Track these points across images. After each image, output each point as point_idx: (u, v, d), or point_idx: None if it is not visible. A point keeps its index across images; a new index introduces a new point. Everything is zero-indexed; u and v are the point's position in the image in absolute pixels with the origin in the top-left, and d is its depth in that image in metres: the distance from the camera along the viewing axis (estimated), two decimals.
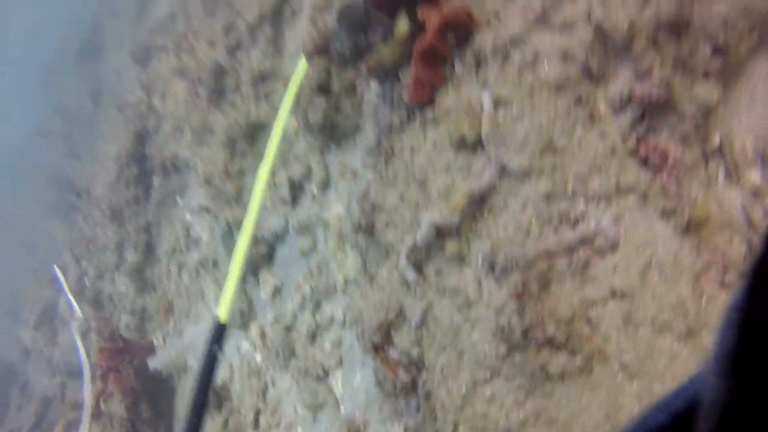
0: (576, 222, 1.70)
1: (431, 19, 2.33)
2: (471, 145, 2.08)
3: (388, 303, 2.24)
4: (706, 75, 1.84)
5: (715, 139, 1.86)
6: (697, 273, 1.51)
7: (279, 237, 3.92)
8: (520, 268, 1.69)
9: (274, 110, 4.47)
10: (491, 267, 1.80)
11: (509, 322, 1.61)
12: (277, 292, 3.89)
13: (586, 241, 1.65)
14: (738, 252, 1.58)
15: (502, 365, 1.68)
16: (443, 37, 2.34)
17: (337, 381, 3.17)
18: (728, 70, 1.89)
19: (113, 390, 4.74)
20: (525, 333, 1.59)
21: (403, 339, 2.14)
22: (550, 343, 1.58)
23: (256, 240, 3.98)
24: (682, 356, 1.41)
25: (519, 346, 1.61)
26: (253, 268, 4.08)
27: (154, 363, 5.09)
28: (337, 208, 3.52)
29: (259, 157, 4.30)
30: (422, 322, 2.03)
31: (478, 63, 2.26)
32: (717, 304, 1.46)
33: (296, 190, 3.89)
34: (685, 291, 1.48)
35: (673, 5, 1.76)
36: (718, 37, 1.80)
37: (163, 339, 5.62)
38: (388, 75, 2.94)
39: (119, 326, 6.17)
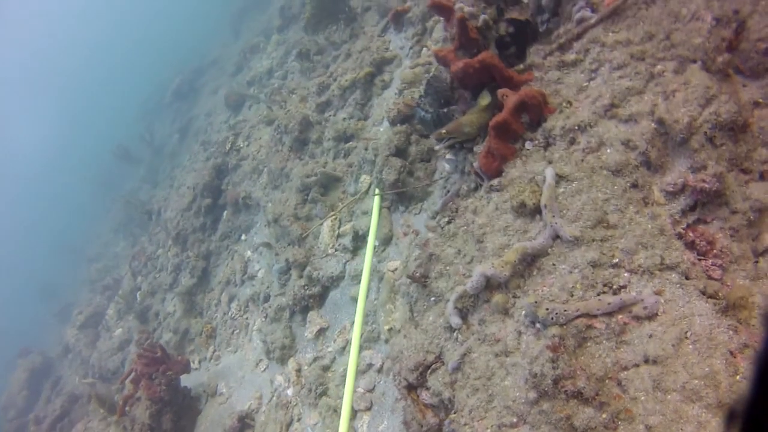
0: (618, 290, 1.83)
1: (509, 97, 2.61)
2: (530, 211, 2.28)
3: (429, 345, 2.37)
4: (762, 176, 1.99)
5: (766, 238, 1.97)
6: (732, 350, 1.59)
7: (333, 281, 4.13)
8: (560, 323, 1.82)
9: (350, 166, 4.86)
10: (533, 321, 1.93)
11: (542, 370, 1.72)
12: (321, 333, 4.06)
13: (625, 307, 1.77)
14: None
15: (529, 412, 1.77)
16: (518, 116, 2.61)
17: (363, 424, 3.24)
18: None
19: (142, 395, 4.92)
20: (555, 382, 1.69)
21: (437, 381, 2.25)
22: (578, 395, 1.67)
23: (310, 280, 4.21)
24: (710, 426, 1.48)
25: (548, 394, 1.71)
26: (302, 308, 4.28)
27: (186, 381, 5.26)
28: (394, 263, 3.72)
29: (330, 207, 4.65)
30: (459, 366, 2.15)
31: (547, 143, 2.49)
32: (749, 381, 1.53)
33: (359, 240, 4.13)
34: (718, 365, 1.56)
35: (733, 107, 1.95)
36: None
37: (199, 362, 5.81)
38: (463, 145, 3.23)
39: (159, 341, 6.43)
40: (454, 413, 2.05)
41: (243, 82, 9.82)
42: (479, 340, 2.09)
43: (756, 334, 1.62)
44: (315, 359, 3.96)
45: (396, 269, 3.68)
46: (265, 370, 4.59)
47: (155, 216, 8.85)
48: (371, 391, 3.35)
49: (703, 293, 1.75)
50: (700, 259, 1.85)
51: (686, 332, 1.65)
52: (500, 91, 2.72)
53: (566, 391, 1.67)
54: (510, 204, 2.36)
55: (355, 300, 3.92)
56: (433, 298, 2.53)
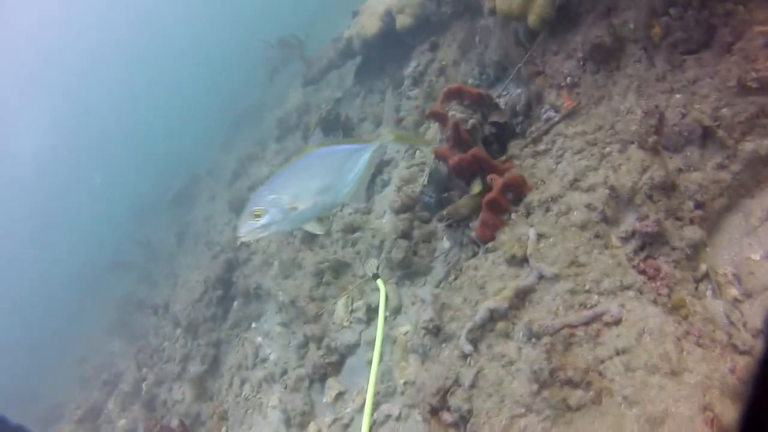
0: (591, 307, 2.46)
1: (497, 181, 3.38)
2: (519, 261, 2.95)
3: (447, 372, 2.90)
4: (691, 221, 2.71)
5: (703, 268, 2.66)
6: (678, 336, 2.20)
7: (350, 349, 4.63)
8: (549, 333, 2.42)
9: (357, 254, 5.52)
10: (529, 338, 2.53)
11: (540, 366, 2.28)
12: (339, 396, 4.48)
13: (597, 317, 2.39)
14: (713, 330, 2.29)
15: (534, 401, 2.30)
16: (504, 194, 3.36)
17: None
18: (710, 220, 2.77)
19: None
20: (551, 373, 2.25)
21: (456, 399, 2.75)
22: (569, 382, 2.22)
23: (328, 349, 4.70)
24: (668, 388, 2.04)
25: (546, 384, 2.26)
26: (321, 376, 4.71)
27: None
28: (405, 327, 4.27)
29: (342, 288, 5.23)
30: (474, 383, 2.68)
31: (528, 212, 3.22)
32: (694, 355, 2.13)
33: (371, 313, 4.70)
34: (670, 346, 2.16)
35: (663, 173, 2.72)
36: (697, 196, 2.72)
37: None
38: (460, 224, 3.95)
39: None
40: (473, 418, 2.56)
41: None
42: (488, 359, 2.65)
43: (694, 325, 2.25)
44: (334, 420, 4.34)
45: (407, 332, 4.22)
46: None
47: (161, 311, 9.22)
48: None
49: (654, 302, 2.39)
50: (650, 281, 2.51)
51: (644, 329, 2.27)
52: (489, 176, 3.50)
53: (560, 379, 2.24)
54: (503, 257, 3.04)
55: (370, 363, 4.40)
56: (448, 337, 3.10)
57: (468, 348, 2.81)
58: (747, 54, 2.76)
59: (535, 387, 2.30)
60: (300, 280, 5.71)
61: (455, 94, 4.07)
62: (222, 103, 20.24)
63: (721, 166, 2.81)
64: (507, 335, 2.66)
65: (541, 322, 2.47)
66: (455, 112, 3.98)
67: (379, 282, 4.47)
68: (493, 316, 2.76)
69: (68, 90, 41.15)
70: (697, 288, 2.65)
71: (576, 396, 2.20)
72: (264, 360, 6.17)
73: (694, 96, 2.90)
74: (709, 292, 2.64)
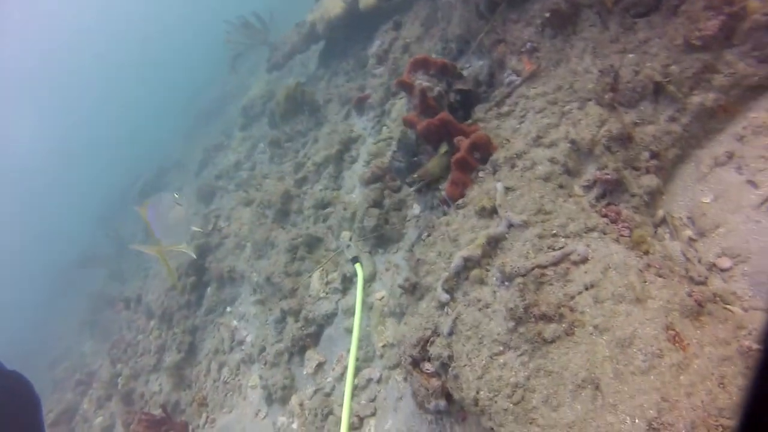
0: (559, 248, 2.59)
1: (463, 142, 3.49)
2: (488, 212, 3.07)
3: (426, 323, 3.00)
4: (648, 170, 2.88)
5: (660, 213, 2.83)
6: (640, 269, 2.35)
7: (328, 318, 4.70)
8: (521, 274, 2.54)
9: (329, 229, 5.57)
10: (502, 281, 2.65)
11: (515, 304, 2.41)
12: (319, 367, 4.55)
13: (565, 257, 2.52)
14: (669, 264, 2.45)
15: (510, 338, 2.42)
16: (471, 154, 3.47)
17: (371, 428, 3.71)
18: (665, 169, 2.94)
19: None
20: (526, 309, 2.37)
21: (436, 348, 2.86)
22: (543, 317, 2.35)
23: (306, 321, 4.76)
24: (634, 314, 2.19)
25: (522, 320, 2.38)
26: (300, 349, 4.77)
27: None
28: (380, 293, 4.36)
29: (316, 262, 5.29)
30: (452, 330, 2.79)
31: (495, 169, 3.34)
32: (656, 284, 2.28)
33: (347, 282, 4.78)
34: (633, 278, 2.31)
35: (619, 126, 2.87)
36: (652, 147, 2.88)
37: (193, 431, 5.98)
38: (429, 187, 4.05)
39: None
40: (454, 362, 2.67)
41: (211, 176, 10.59)
42: (465, 305, 2.77)
43: (654, 260, 2.41)
44: (316, 391, 4.41)
45: (383, 297, 4.32)
46: (265, 417, 4.94)
47: (133, 304, 9.09)
48: (373, 400, 3.85)
49: (617, 241, 2.54)
50: (612, 224, 2.66)
51: (609, 264, 2.41)
52: (456, 138, 3.60)
53: (534, 315, 2.37)
54: (473, 210, 3.15)
55: (348, 332, 4.48)
56: (425, 290, 3.20)
57: (445, 297, 2.92)
58: (691, 15, 2.93)
59: (511, 324, 2.43)
60: (274, 258, 5.74)
61: (421, 65, 4.16)
62: (186, 92, 19.93)
63: (672, 119, 2.99)
64: (482, 281, 2.78)
65: (512, 263, 2.59)
66: (421, 81, 4.08)
67: (357, 267, 4.52)
68: (467, 265, 2.87)
69: (38, 89, 39.84)
70: (656, 232, 2.82)
71: (550, 329, 2.33)
72: (241, 342, 6.19)
73: (646, 55, 3.07)
74: (667, 235, 2.82)
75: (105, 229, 14.64)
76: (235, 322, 6.54)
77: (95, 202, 19.66)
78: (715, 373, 2.00)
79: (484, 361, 2.49)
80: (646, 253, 2.51)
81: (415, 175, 3.79)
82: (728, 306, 2.37)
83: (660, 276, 2.36)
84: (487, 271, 2.79)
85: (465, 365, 2.58)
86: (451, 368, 2.69)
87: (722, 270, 2.56)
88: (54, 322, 15.10)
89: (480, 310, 2.66)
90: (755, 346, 1.97)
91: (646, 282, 2.33)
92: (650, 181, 2.89)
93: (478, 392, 2.44)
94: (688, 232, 2.77)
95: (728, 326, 2.22)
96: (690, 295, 2.26)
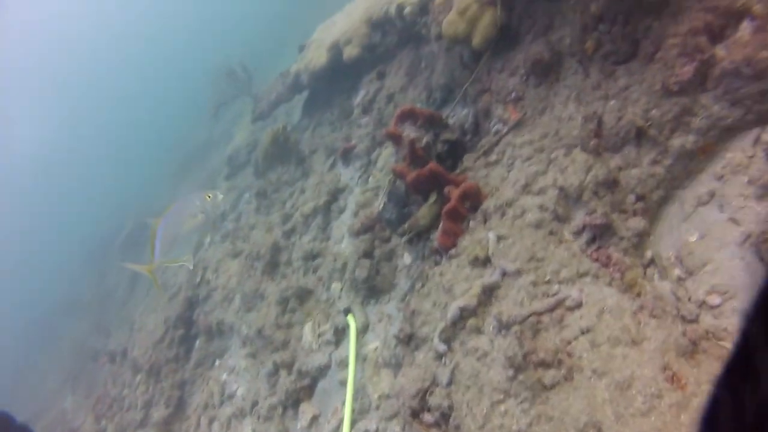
0: (553, 295, 2.65)
1: (454, 192, 3.58)
2: (482, 262, 3.13)
3: (424, 374, 3.01)
4: (635, 213, 2.98)
5: (648, 254, 2.92)
6: (634, 311, 2.42)
7: (321, 371, 4.65)
8: (518, 322, 2.59)
9: (320, 279, 5.58)
10: (499, 329, 2.69)
11: (513, 352, 2.44)
12: (314, 420, 4.47)
13: (560, 303, 2.58)
14: (661, 304, 2.52)
15: (511, 386, 2.44)
16: (462, 203, 3.56)
17: None
18: (650, 211, 3.05)
19: None
20: (524, 357, 2.40)
21: (436, 398, 2.86)
22: (542, 363, 2.39)
23: (299, 374, 4.70)
24: (630, 356, 2.23)
25: (521, 367, 2.41)
26: (294, 402, 4.69)
27: None
28: (374, 344, 4.35)
29: (307, 314, 5.26)
30: (451, 380, 2.80)
31: (485, 218, 3.43)
32: (650, 325, 2.34)
33: (339, 334, 4.76)
34: (628, 320, 2.36)
35: (605, 171, 2.99)
36: (637, 190, 3.00)
37: None
38: (420, 237, 4.12)
39: None
40: (454, 412, 2.67)
41: None
42: (463, 355, 2.79)
43: (647, 301, 2.48)
44: None
45: (376, 348, 4.30)
46: None
47: (119, 358, 8.86)
48: None
49: (610, 285, 2.61)
50: (603, 268, 2.73)
51: (603, 308, 2.47)
52: (446, 188, 3.70)
53: (533, 362, 2.41)
54: (467, 260, 3.21)
55: (343, 384, 4.43)
56: (420, 341, 3.22)
57: (442, 347, 2.94)
58: (666, 62, 3.11)
59: (510, 372, 2.45)
60: (265, 310, 5.70)
61: (408, 116, 4.29)
62: (171, 140, 20.07)
63: (655, 162, 3.12)
64: (478, 330, 2.81)
65: (509, 312, 2.64)
66: (409, 132, 4.21)
67: (350, 318, 4.52)
68: (463, 314, 2.91)
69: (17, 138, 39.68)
70: (645, 273, 2.90)
71: (549, 375, 2.36)
72: (231, 396, 6.06)
73: (627, 101, 3.23)
74: (656, 275, 2.90)
75: (86, 282, 14.37)
76: (224, 376, 6.42)
77: (78, 253, 19.34)
78: None
79: (485, 410, 2.50)
80: (639, 295, 2.58)
81: (406, 226, 3.85)
82: (721, 342, 2.43)
83: (654, 317, 2.43)
84: (483, 320, 2.83)
85: (466, 415, 2.58)
86: (452, 418, 2.69)
87: (712, 307, 2.62)
88: (32, 373, 14.58)
89: (478, 359, 2.68)
90: None
91: (640, 324, 2.39)
92: (637, 223, 2.99)
93: None
94: (677, 272, 2.85)
95: (723, 363, 2.27)
96: (684, 334, 2.32)
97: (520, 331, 2.53)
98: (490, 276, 2.96)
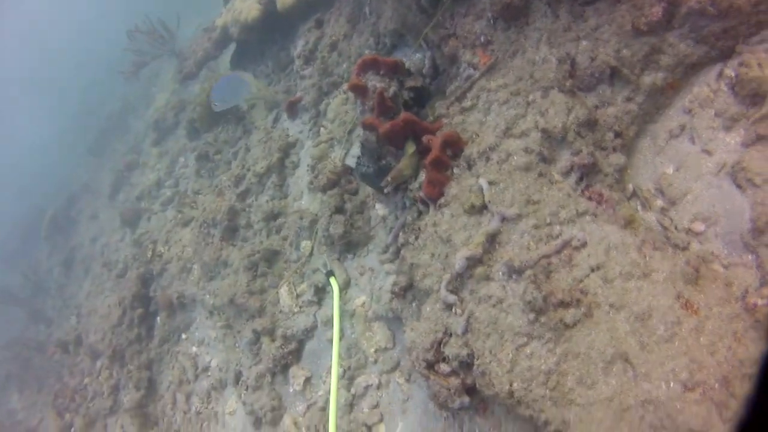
0: (557, 237, 2.74)
1: (435, 141, 3.54)
2: (478, 209, 3.16)
3: (435, 326, 3.06)
4: (614, 149, 3.09)
5: (630, 187, 3.06)
6: (638, 245, 2.55)
7: (307, 333, 4.62)
8: (530, 266, 2.67)
9: (285, 240, 5.45)
10: (510, 275, 2.76)
11: (532, 296, 2.53)
12: (307, 382, 4.48)
13: (566, 244, 2.68)
14: (657, 236, 2.68)
15: (533, 329, 2.54)
16: (444, 151, 3.53)
17: None
18: (627, 146, 3.17)
19: None
20: (544, 299, 2.50)
21: (452, 348, 2.93)
22: (561, 303, 2.49)
23: (285, 339, 4.65)
24: (645, 288, 2.38)
25: (542, 310, 2.51)
26: (283, 367, 4.67)
27: None
28: (360, 299, 4.35)
29: (279, 276, 5.16)
30: (467, 328, 2.87)
31: (469, 165, 3.43)
32: (655, 258, 2.49)
33: (321, 293, 4.72)
34: (635, 255, 2.50)
35: (585, 111, 3.06)
36: (615, 127, 3.10)
37: None
38: (399, 188, 4.08)
39: None
40: (477, 359, 2.75)
41: (131, 198, 9.92)
42: (476, 303, 2.85)
43: (648, 236, 2.61)
44: (308, 407, 4.36)
45: (364, 303, 4.32)
46: None
47: (72, 346, 8.39)
48: (377, 407, 3.87)
49: (609, 222, 2.72)
50: (598, 206, 2.84)
51: (609, 245, 2.58)
52: (425, 137, 3.65)
53: (553, 303, 2.50)
54: (461, 208, 3.23)
55: (332, 341, 4.44)
56: (424, 294, 3.25)
57: (451, 298, 2.99)
58: (635, 2, 3.16)
59: (531, 316, 2.54)
60: (233, 278, 5.53)
61: (370, 65, 4.14)
62: (82, 106, 18.30)
63: (628, 99, 3.22)
64: (487, 278, 2.87)
65: (520, 257, 2.70)
66: (375, 82, 4.07)
67: (332, 280, 4.44)
68: (469, 264, 2.95)
69: None
70: (629, 203, 3.05)
71: (570, 314, 2.47)
72: (206, 368, 5.94)
73: (598, 41, 3.27)
74: (639, 207, 3.06)
75: (14, 270, 13.25)
76: (194, 349, 6.27)
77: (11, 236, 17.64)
78: (729, 330, 2.23)
79: (510, 354, 2.59)
80: (638, 229, 2.71)
81: (389, 178, 3.79)
82: (710, 265, 2.63)
83: (656, 249, 2.58)
84: (491, 267, 2.88)
85: (491, 361, 2.66)
86: (475, 366, 2.77)
87: (697, 234, 2.82)
88: None
89: (494, 305, 2.75)
90: (760, 302, 2.23)
91: (646, 257, 2.53)
92: (618, 159, 3.11)
93: (511, 384, 2.53)
94: (659, 202, 3.02)
95: (719, 285, 2.47)
96: (688, 263, 2.49)
97: (533, 274, 2.60)
98: (489, 223, 3.00)
